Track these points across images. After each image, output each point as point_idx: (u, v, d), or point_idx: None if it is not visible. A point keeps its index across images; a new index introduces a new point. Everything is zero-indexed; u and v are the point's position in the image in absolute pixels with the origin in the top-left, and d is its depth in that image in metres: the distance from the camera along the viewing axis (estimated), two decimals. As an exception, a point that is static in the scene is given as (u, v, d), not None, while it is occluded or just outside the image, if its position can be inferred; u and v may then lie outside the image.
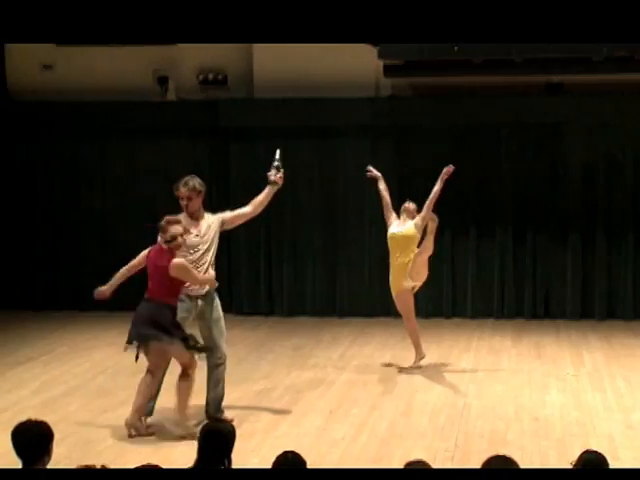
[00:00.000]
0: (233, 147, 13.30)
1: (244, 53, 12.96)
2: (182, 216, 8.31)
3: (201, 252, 8.28)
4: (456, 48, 11.10)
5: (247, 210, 8.66)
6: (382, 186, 10.46)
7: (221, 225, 8.49)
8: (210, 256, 8.35)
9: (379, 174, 10.48)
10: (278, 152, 8.59)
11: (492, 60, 11.69)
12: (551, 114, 12.61)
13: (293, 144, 13.18)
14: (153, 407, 8.35)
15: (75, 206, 13.68)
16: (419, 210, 10.20)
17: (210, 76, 13.29)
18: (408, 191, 13.01)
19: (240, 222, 8.77)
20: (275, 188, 8.61)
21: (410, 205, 10.30)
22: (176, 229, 7.91)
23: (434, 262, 13.07)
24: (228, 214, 8.60)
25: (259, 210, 8.72)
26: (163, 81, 13.33)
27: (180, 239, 7.92)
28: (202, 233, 8.32)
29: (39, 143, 13.62)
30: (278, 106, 12.84)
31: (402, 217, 10.24)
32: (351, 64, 12.55)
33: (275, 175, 8.53)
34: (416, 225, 10.08)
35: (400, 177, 12.98)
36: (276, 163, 8.57)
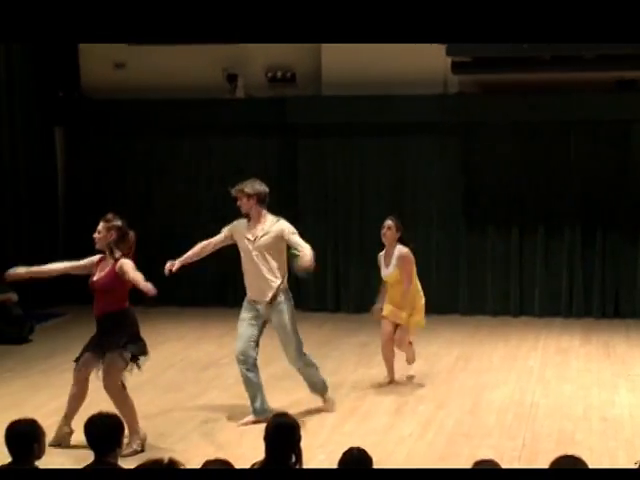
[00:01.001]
0: (301, 144, 13.36)
1: (312, 51, 13.00)
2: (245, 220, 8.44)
3: (254, 258, 8.28)
4: (525, 45, 11.02)
5: (301, 250, 8.33)
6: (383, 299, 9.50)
7: (280, 237, 8.36)
8: (268, 265, 8.30)
9: (377, 310, 9.50)
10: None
11: (561, 56, 11.59)
12: (622, 111, 12.44)
13: (361, 141, 13.22)
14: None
15: (146, 202, 13.86)
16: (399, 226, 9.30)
17: (279, 73, 13.38)
18: (475, 189, 13.00)
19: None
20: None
21: (386, 228, 9.29)
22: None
23: (502, 260, 13.06)
24: (290, 236, 8.34)
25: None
26: (232, 79, 13.45)
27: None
28: (253, 237, 8.34)
29: (112, 141, 13.83)
30: (346, 103, 12.86)
31: (385, 249, 9.37)
32: (419, 61, 12.51)
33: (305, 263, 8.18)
34: (400, 266, 9.24)
35: (467, 175, 12.96)
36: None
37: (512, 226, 12.85)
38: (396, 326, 9.39)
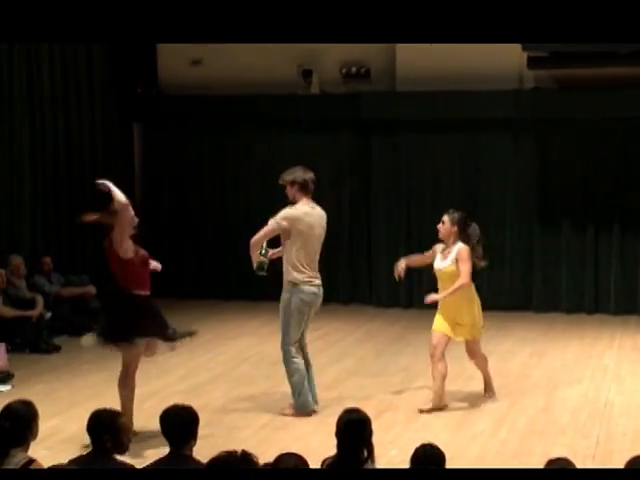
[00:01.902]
0: (375, 140, 13.38)
1: (387, 46, 12.99)
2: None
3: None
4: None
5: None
6: (410, 262, 9.17)
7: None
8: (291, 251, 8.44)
9: (401, 269, 9.04)
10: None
11: (638, 52, 11.42)
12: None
13: (435, 137, 13.19)
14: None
15: (221, 197, 14.02)
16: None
17: (353, 69, 13.42)
18: (550, 185, 12.88)
19: None
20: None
21: (440, 223, 8.80)
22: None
23: (576, 257, 12.90)
24: None
25: None
26: (307, 74, 13.53)
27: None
28: None
29: (188, 136, 14.02)
30: (420, 99, 12.85)
31: (443, 245, 8.76)
32: (494, 56, 12.43)
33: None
34: (459, 259, 8.52)
35: (542, 171, 12.85)
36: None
37: (587, 223, 12.72)
38: (448, 338, 8.69)
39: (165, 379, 9.65)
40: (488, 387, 9.02)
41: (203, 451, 5.15)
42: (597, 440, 7.75)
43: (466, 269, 8.47)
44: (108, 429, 5.16)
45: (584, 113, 12.51)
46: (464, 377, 9.69)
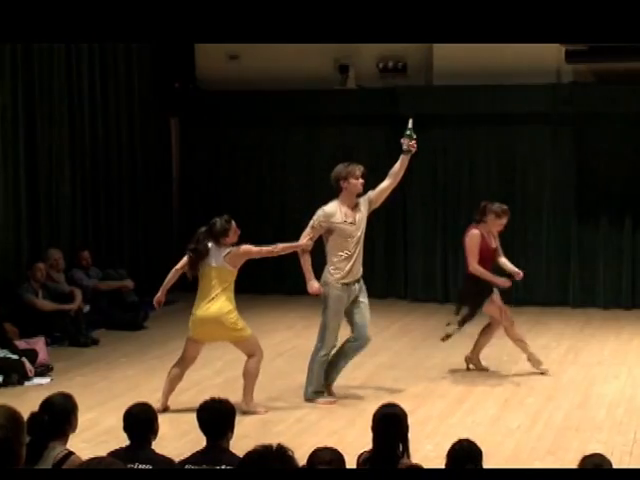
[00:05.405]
0: (412, 134, 13.35)
1: (424, 41, 12.97)
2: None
3: (359, 240, 8.63)
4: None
5: (388, 183, 8.79)
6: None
7: (369, 207, 8.72)
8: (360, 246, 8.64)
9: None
10: (411, 121, 8.75)
11: (680, 45, 11.32)
12: None
13: (472, 131, 13.15)
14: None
15: (258, 192, 14.06)
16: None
17: (390, 64, 13.41)
18: (588, 180, 12.81)
19: (384, 197, 8.85)
20: (409, 155, 8.77)
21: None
22: None
23: (614, 252, 12.81)
24: (372, 193, 8.77)
25: (398, 180, 8.84)
26: (344, 69, 13.54)
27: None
28: (358, 221, 8.63)
29: (225, 130, 14.07)
30: (457, 93, 12.82)
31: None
32: (532, 50, 12.33)
33: (408, 143, 8.68)
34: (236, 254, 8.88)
35: (579, 165, 12.78)
36: (408, 132, 8.72)
37: (625, 218, 12.63)
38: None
39: (202, 372, 9.70)
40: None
41: (239, 444, 5.19)
42: (634, 437, 7.70)
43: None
44: (151, 421, 5.25)
45: (622, 107, 12.42)
46: (501, 371, 9.69)
